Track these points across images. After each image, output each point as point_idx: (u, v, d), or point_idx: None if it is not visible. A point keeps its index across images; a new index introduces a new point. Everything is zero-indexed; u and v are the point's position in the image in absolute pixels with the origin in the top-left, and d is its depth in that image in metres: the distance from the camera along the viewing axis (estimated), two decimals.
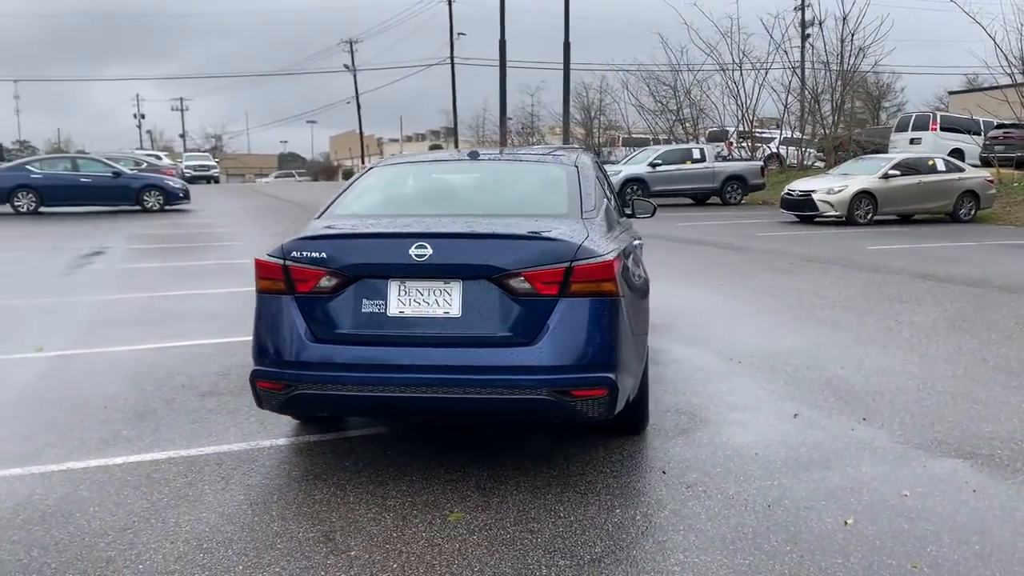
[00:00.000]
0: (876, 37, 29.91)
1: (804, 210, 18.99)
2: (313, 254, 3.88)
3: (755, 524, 3.54)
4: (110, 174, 22.24)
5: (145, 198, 22.41)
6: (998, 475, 4.08)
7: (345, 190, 4.83)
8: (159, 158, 42.16)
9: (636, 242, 4.96)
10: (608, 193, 5.37)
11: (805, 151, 32.02)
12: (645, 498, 3.84)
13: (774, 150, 33.29)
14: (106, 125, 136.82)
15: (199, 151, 63.06)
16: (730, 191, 25.52)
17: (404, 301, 3.82)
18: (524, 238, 3.84)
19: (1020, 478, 4.04)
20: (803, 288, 9.78)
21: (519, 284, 3.75)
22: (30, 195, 21.27)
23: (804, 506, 3.73)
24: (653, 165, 25.65)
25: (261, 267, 4.00)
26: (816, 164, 30.78)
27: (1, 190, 21.14)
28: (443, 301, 3.80)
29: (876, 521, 3.58)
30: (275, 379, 3.90)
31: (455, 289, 3.80)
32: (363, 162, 63.87)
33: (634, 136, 40.90)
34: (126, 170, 23.58)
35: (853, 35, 29.68)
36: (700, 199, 26.18)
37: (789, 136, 33.45)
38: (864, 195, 18.54)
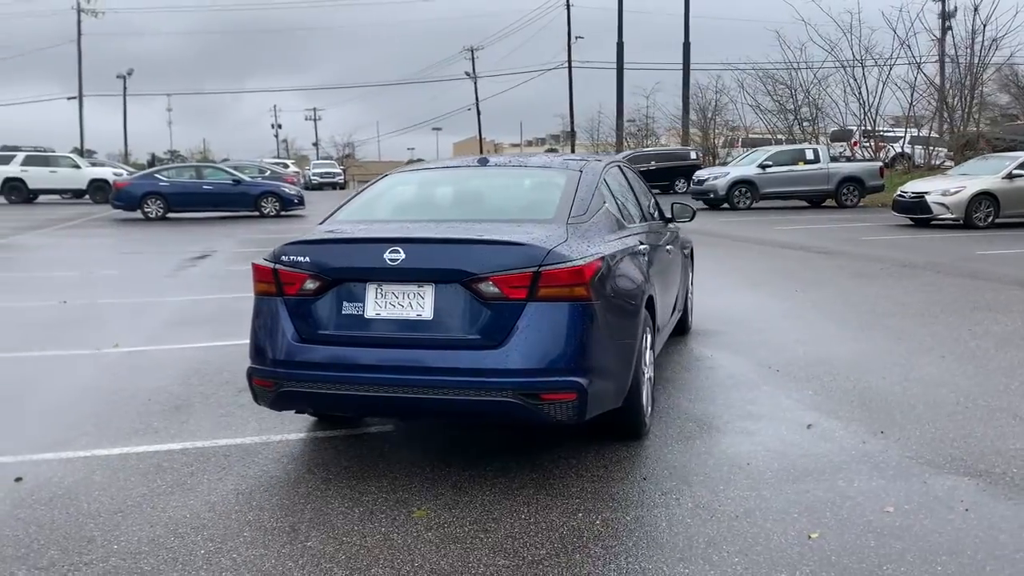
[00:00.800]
0: (1011, 27, 28.09)
1: (916, 213, 18.05)
2: (298, 258, 4.08)
3: (713, 534, 3.48)
4: (231, 182, 23.56)
5: (263, 204, 23.58)
6: (1001, 494, 3.84)
7: (355, 196, 5.03)
8: (285, 166, 44.27)
9: (643, 247, 4.91)
10: (623, 198, 5.37)
11: (933, 151, 30.39)
12: (614, 503, 3.82)
13: (900, 150, 31.74)
14: (247, 134, 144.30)
15: (326, 159, 65.64)
16: (846, 193, 24.49)
17: (380, 304, 3.96)
18: (492, 243, 3.91)
19: (1020, 498, 3.80)
20: (883, 295, 9.35)
21: (488, 288, 3.82)
22: (158, 202, 22.78)
23: (774, 518, 3.63)
24: (763, 167, 24.95)
25: (256, 270, 4.23)
26: (946, 164, 29.15)
27: (133, 197, 22.75)
28: (416, 304, 3.92)
29: (842, 537, 3.45)
30: (266, 376, 4.12)
31: (428, 292, 3.91)
32: None
33: (752, 137, 39.92)
34: (246, 178, 24.89)
35: (985, 26, 27.99)
36: (814, 202, 25.27)
37: (917, 135, 31.80)
38: (984, 196, 17.45)
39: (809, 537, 3.45)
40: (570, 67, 58.86)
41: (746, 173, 24.95)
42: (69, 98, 57.96)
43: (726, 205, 24.55)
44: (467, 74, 71.94)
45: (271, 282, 4.15)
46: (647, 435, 4.69)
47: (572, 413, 3.87)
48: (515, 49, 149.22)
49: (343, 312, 4.00)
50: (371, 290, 3.98)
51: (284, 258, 4.12)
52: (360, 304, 3.98)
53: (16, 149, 33.76)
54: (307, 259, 4.06)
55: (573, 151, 58.10)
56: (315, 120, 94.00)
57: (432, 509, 3.78)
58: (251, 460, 4.44)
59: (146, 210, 22.71)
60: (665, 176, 33.18)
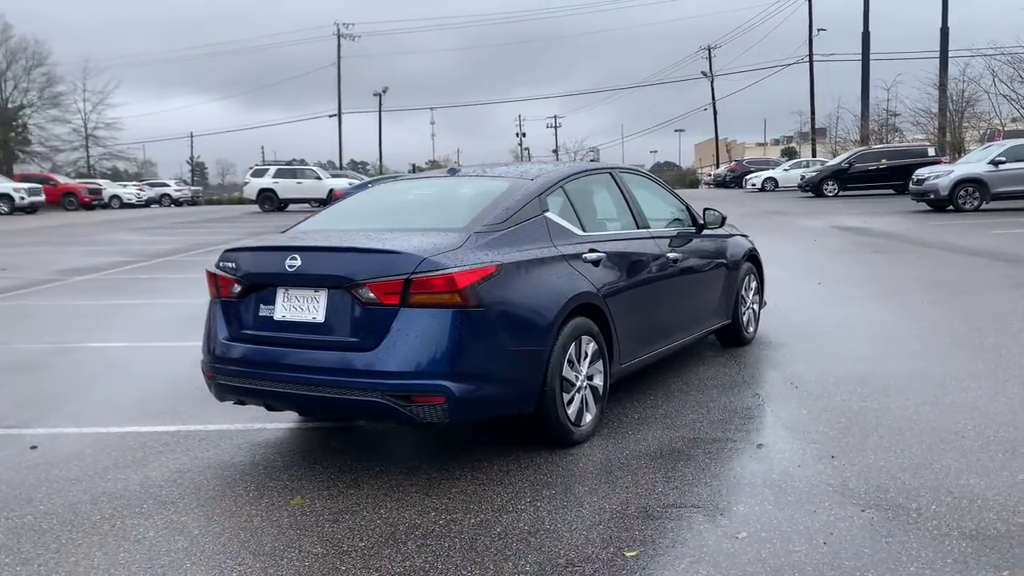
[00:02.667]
0: None
1: None
2: (228, 264, 4.55)
3: (528, 546, 3.50)
4: None
5: None
6: (886, 530, 3.49)
7: (328, 207, 5.44)
8: None
9: (595, 255, 4.88)
10: (594, 208, 5.40)
11: None
12: (478, 506, 3.91)
13: None
14: (498, 144, 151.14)
15: None
16: None
17: (286, 307, 4.33)
18: (371, 251, 4.15)
19: (902, 536, 3.42)
20: (1021, 310, 8.30)
21: (365, 294, 4.07)
22: None
23: (596, 535, 3.56)
24: (996, 163, 22.43)
25: (207, 274, 4.76)
26: None
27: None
28: (312, 308, 4.25)
29: (657, 558, 3.33)
30: (208, 370, 4.64)
31: (322, 297, 4.23)
32: (717, 168, 63.32)
33: (1007, 130, 35.86)
34: None
35: None
36: None
37: None
38: None
39: (625, 555, 3.37)
40: (811, 61, 56.03)
41: (973, 171, 22.60)
42: (330, 116, 64.10)
43: (951, 207, 22.39)
44: (703, 73, 70.66)
45: (212, 285, 4.66)
46: (580, 442, 4.67)
47: (442, 415, 4.01)
48: (755, 45, 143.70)
49: (260, 314, 4.42)
50: (280, 294, 4.36)
51: (219, 264, 4.61)
52: (272, 307, 4.38)
53: (275, 163, 38.01)
54: (233, 265, 4.52)
55: (814, 151, 55.19)
56: (555, 127, 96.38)
57: (313, 499, 4.08)
58: (218, 445, 4.96)
59: None
60: (898, 175, 30.87)
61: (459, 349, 4.01)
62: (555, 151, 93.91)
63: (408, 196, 5.55)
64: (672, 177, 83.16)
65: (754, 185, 43.47)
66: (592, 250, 4.94)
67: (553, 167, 5.42)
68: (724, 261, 6.70)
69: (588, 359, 4.77)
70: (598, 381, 4.88)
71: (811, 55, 55.78)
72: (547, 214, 4.83)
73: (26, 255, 17.76)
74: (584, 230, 5.09)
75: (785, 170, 43.70)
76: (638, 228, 5.65)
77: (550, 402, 4.45)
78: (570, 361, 4.60)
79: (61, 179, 45.07)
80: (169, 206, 49.60)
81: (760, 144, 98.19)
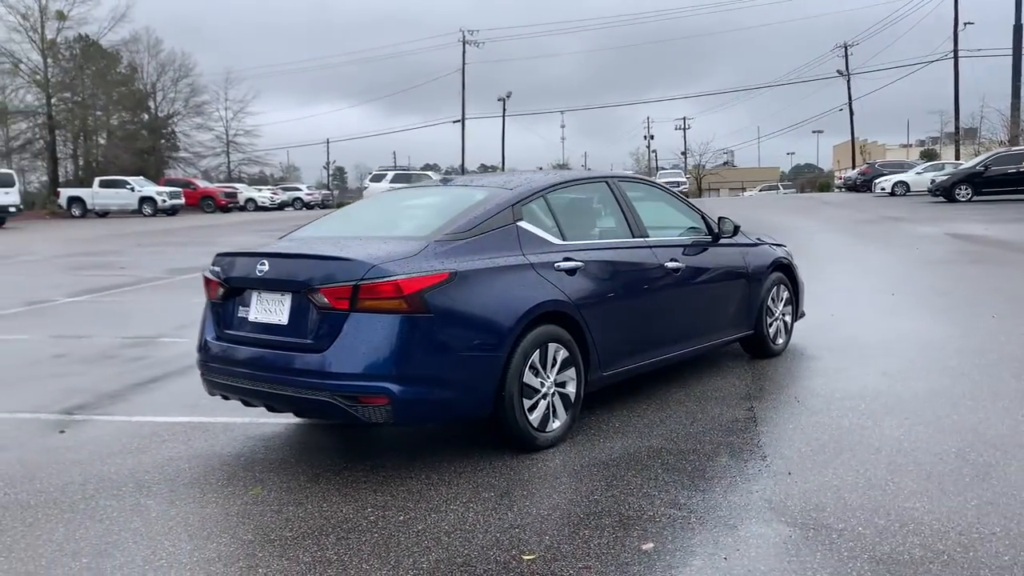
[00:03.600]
0: None
1: None
2: (216, 268, 4.89)
3: (424, 546, 3.63)
4: None
5: None
6: (805, 549, 3.42)
7: (327, 214, 5.71)
8: None
9: (569, 264, 4.94)
10: (578, 217, 5.47)
11: None
12: (413, 504, 4.07)
13: None
14: (626, 146, 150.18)
15: (672, 168, 66.13)
16: None
17: (259, 309, 4.62)
18: (325, 258, 4.38)
19: (807, 557, 3.34)
20: None
21: (319, 298, 4.31)
22: None
23: (508, 537, 3.64)
24: None
25: (203, 277, 5.12)
26: None
27: None
28: (278, 310, 4.52)
29: (553, 563, 3.40)
30: (198, 365, 5.00)
31: (287, 300, 4.49)
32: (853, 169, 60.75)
33: None
34: None
35: None
36: None
37: None
38: None
39: (523, 557, 3.45)
40: (956, 57, 52.95)
41: None
42: (454, 121, 65.50)
43: None
44: (839, 72, 67.96)
45: (205, 287, 5.01)
46: (545, 447, 4.75)
47: (386, 416, 4.20)
48: (896, 41, 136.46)
49: (238, 315, 4.73)
50: (254, 297, 4.65)
51: (210, 268, 4.95)
52: (248, 309, 4.68)
53: (393, 168, 39.30)
54: (219, 269, 4.86)
55: (957, 153, 52.12)
56: (684, 129, 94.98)
57: (271, 490, 4.35)
58: (214, 436, 5.31)
59: None
60: None
61: (403, 353, 4.19)
62: (683, 153, 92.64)
63: (396, 204, 5.77)
64: (807, 180, 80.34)
65: (883, 189, 41.44)
66: (568, 259, 5.01)
67: (541, 176, 5.51)
68: (744, 271, 6.57)
69: (557, 367, 4.83)
70: (571, 388, 4.94)
71: (956, 51, 52.71)
72: (520, 223, 4.93)
73: (149, 254, 19.14)
74: (565, 239, 5.15)
75: (918, 173, 41.44)
76: (633, 237, 5.65)
77: (508, 408, 4.55)
78: (533, 368, 4.68)
79: (201, 183, 48.18)
80: (301, 209, 51.96)
81: (903, 146, 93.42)
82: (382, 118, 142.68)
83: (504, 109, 70.71)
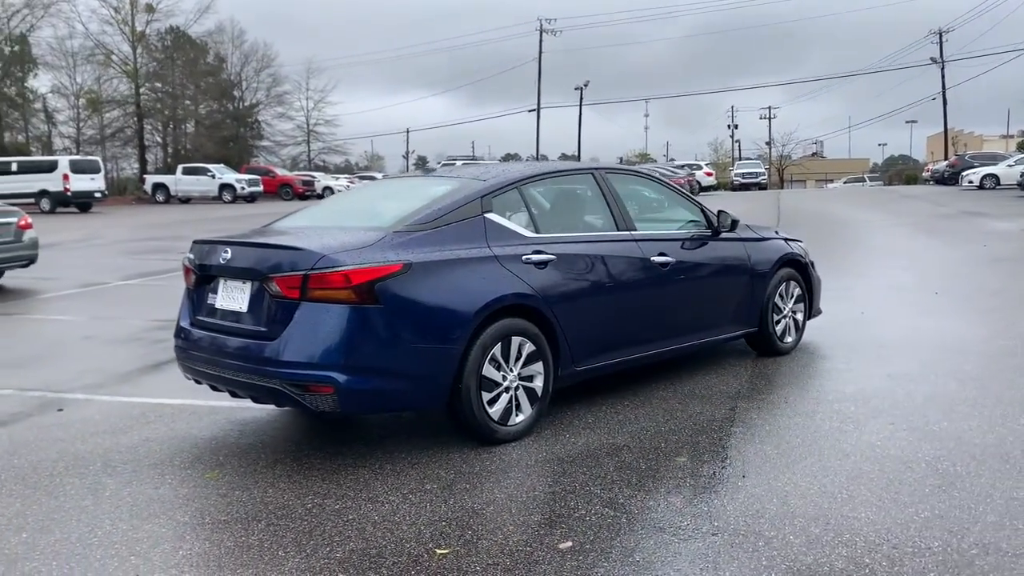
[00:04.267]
0: None
1: None
2: (190, 255, 4.99)
3: (324, 529, 3.64)
4: None
5: None
6: (724, 556, 3.31)
7: (315, 204, 5.76)
8: (696, 167, 44.93)
9: (540, 256, 4.87)
10: (557, 209, 5.39)
11: None
12: (352, 495, 4.09)
13: None
14: (710, 135, 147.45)
15: (751, 159, 64.55)
16: None
17: (224, 296, 4.70)
18: (279, 247, 4.43)
19: (724, 563, 3.23)
20: None
21: (272, 287, 4.36)
22: None
23: (431, 531, 3.62)
24: None
25: (183, 265, 5.24)
26: None
27: None
28: (239, 298, 4.59)
29: (466, 558, 3.37)
30: (175, 351, 5.12)
31: (247, 288, 4.56)
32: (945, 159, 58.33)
33: None
34: None
35: None
36: None
37: None
38: None
39: (437, 551, 3.43)
40: None
41: None
42: (529, 110, 65.41)
43: None
44: (932, 60, 65.22)
45: (183, 274, 5.13)
46: (507, 440, 4.71)
47: (333, 405, 4.23)
48: (994, 27, 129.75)
49: (207, 301, 4.82)
50: (221, 284, 4.74)
51: (186, 256, 5.06)
52: (216, 296, 4.77)
53: (462, 158, 39.55)
54: (192, 256, 4.96)
55: None
56: (769, 118, 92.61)
57: (226, 473, 4.43)
58: (197, 417, 5.42)
59: None
60: None
61: (350, 343, 4.20)
62: (768, 143, 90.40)
63: (376, 195, 5.77)
64: (895, 172, 77.47)
65: (971, 182, 39.64)
66: (539, 251, 4.94)
67: (518, 168, 5.45)
68: (745, 266, 6.37)
69: (522, 361, 4.78)
70: (538, 383, 4.88)
71: None
72: (488, 215, 4.88)
73: None
74: (538, 232, 5.09)
75: (1009, 166, 39.51)
76: (618, 230, 5.53)
77: (466, 400, 4.53)
78: (495, 361, 4.64)
79: (279, 171, 49.39)
80: None
81: (1004, 136, 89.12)
82: (462, 107, 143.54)
83: (581, 98, 70.16)
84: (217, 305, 4.75)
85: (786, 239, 6.97)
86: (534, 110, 65.07)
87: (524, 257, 4.87)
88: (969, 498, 3.80)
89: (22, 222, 11.86)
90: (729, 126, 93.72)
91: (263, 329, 4.40)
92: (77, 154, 46.98)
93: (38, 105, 52.86)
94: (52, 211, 32.51)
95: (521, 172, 5.34)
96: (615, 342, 5.39)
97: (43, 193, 32.07)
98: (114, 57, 51.76)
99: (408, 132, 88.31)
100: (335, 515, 3.85)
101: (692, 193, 37.61)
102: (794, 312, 6.87)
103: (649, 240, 5.67)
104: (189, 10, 55.62)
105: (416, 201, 4.96)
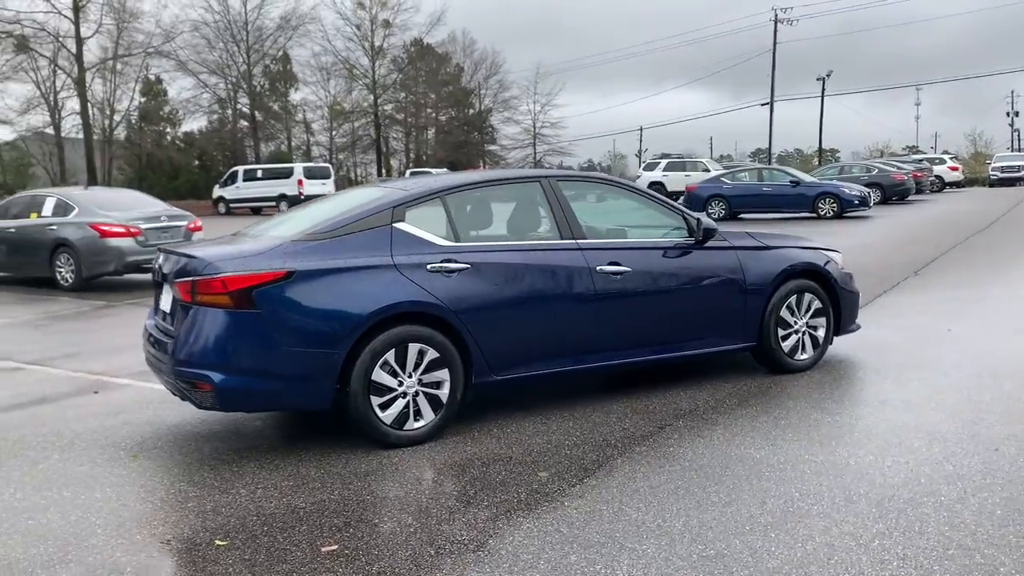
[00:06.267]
0: None
1: None
2: (158, 261, 5.56)
3: (219, 524, 3.96)
4: (788, 183, 23.77)
5: (819, 206, 23.21)
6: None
7: (283, 212, 6.16)
8: (939, 161, 40.87)
9: (453, 266, 4.94)
10: (485, 217, 5.42)
11: None
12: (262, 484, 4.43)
13: None
14: (989, 123, 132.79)
15: (1017, 152, 57.25)
16: None
17: (164, 300, 5.22)
18: (181, 255, 4.85)
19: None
20: None
21: (176, 291, 4.81)
22: (721, 204, 24.39)
23: (224, 524, 3.86)
24: None
25: None
26: None
27: (700, 199, 24.78)
28: (167, 301, 5.09)
29: (234, 550, 3.58)
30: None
31: (171, 292, 5.03)
32: None
33: None
34: (807, 179, 24.69)
35: None
36: None
37: None
38: None
39: (215, 544, 3.68)
40: None
41: None
42: (762, 104, 62.75)
43: None
44: None
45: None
46: (402, 445, 4.83)
47: (212, 402, 4.62)
48: None
49: (159, 305, 5.36)
50: (164, 287, 5.26)
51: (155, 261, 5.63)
52: (162, 299, 5.29)
53: (668, 157, 38.89)
54: (156, 261, 5.51)
55: None
56: None
57: (147, 459, 4.93)
58: (183, 406, 6.01)
59: (710, 212, 24.47)
60: None
61: (225, 345, 4.55)
62: None
63: (323, 204, 5.98)
64: None
65: None
66: (449, 260, 5.00)
67: (453, 178, 5.56)
68: (737, 276, 5.96)
69: (423, 367, 4.87)
70: (444, 390, 4.95)
71: None
72: (398, 224, 5.00)
73: None
74: (458, 240, 5.14)
75: None
76: (562, 239, 5.43)
77: (354, 404, 4.71)
78: (388, 366, 4.78)
79: None
80: None
81: None
82: (695, 103, 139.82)
83: (823, 89, 66.20)
84: (160, 307, 5.29)
85: (802, 247, 6.43)
86: (766, 104, 62.39)
87: (430, 266, 4.95)
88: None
89: (192, 225, 13.47)
90: (1008, 113, 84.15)
91: (172, 329, 4.87)
92: (330, 161, 51.76)
93: (299, 117, 58.71)
94: None
95: (452, 182, 5.41)
96: (546, 352, 5.31)
97: (282, 197, 35.71)
98: (356, 71, 56.37)
99: (641, 130, 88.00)
100: (191, 501, 4.16)
101: (932, 189, 34.57)
102: (813, 327, 6.32)
103: (597, 249, 5.51)
104: (422, 23, 59.17)
105: (335, 211, 5.21)
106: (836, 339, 6.51)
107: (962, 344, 7.04)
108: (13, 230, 13.48)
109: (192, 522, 3.93)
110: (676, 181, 35.49)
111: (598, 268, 5.44)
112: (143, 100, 51.22)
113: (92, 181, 40.34)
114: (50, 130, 45.89)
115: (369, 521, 3.87)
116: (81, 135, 44.75)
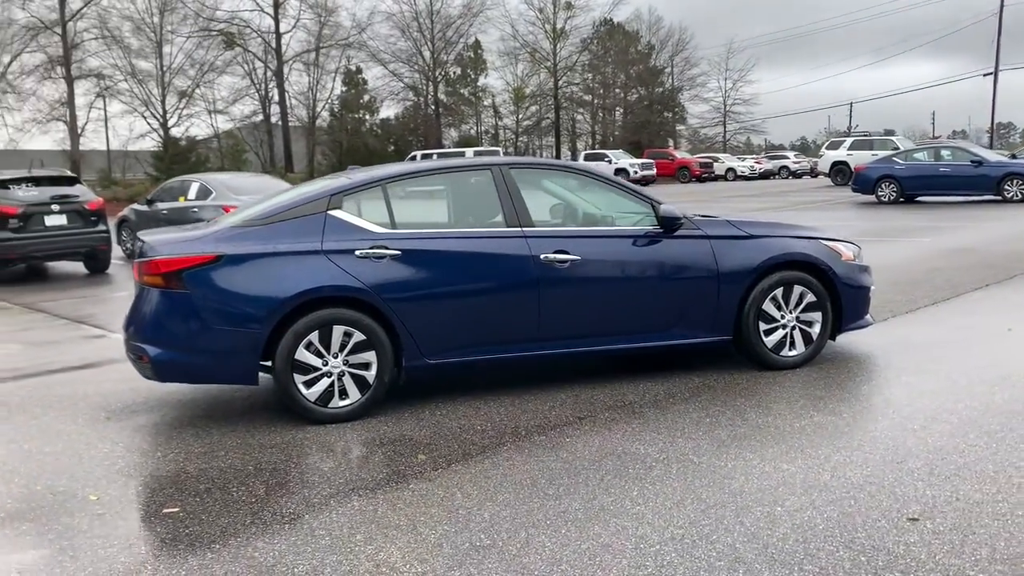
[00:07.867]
0: None
1: None
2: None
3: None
4: (970, 163, 21.62)
5: (1006, 187, 20.98)
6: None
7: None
8: None
9: (382, 252, 5.10)
10: (431, 205, 5.49)
11: None
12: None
13: None
14: None
15: None
16: None
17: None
18: (140, 239, 5.32)
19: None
20: None
21: (133, 272, 5.32)
22: (892, 185, 22.62)
23: (181, 489, 4.27)
24: None
25: None
26: None
27: (868, 180, 23.13)
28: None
29: (191, 517, 4.00)
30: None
31: None
32: None
33: None
34: (992, 158, 22.31)
35: None
36: None
37: None
38: None
39: (89, 498, 4.11)
40: None
41: None
42: (984, 74, 57.00)
43: None
44: None
45: None
46: (328, 422, 5.08)
47: (151, 374, 5.09)
48: None
49: None
50: None
51: None
52: None
53: (856, 134, 36.38)
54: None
55: None
56: None
57: (128, 443, 5.52)
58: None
59: (879, 194, 22.81)
60: None
61: (158, 322, 5.01)
62: None
63: (281, 194, 6.18)
64: None
65: None
66: (379, 247, 5.17)
67: (399, 167, 5.65)
68: (708, 266, 5.68)
69: (348, 349, 5.09)
70: (373, 371, 5.15)
71: None
72: (332, 212, 5.23)
73: None
74: (394, 228, 5.30)
75: None
76: (508, 227, 5.44)
77: (280, 381, 5.03)
78: (313, 347, 5.04)
79: (678, 154, 50.13)
80: (787, 178, 50.72)
81: None
82: (912, 75, 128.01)
83: None
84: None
85: (797, 237, 6.00)
86: (989, 74, 56.59)
87: (359, 252, 5.15)
88: None
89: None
90: None
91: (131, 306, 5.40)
92: (515, 144, 52.88)
93: (487, 102, 60.37)
94: None
95: (395, 171, 5.55)
96: (482, 339, 5.36)
97: None
98: (537, 55, 57.04)
99: (851, 105, 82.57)
100: (133, 467, 4.62)
101: None
102: (805, 323, 5.91)
103: (543, 237, 5.47)
104: (604, 2, 58.74)
105: (280, 200, 5.53)
106: (858, 335, 6.03)
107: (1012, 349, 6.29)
108: (166, 212, 15.05)
109: (90, 474, 4.40)
110: (863, 161, 33.20)
111: (542, 256, 5.41)
112: (344, 89, 54.69)
113: (289, 168, 43.70)
114: (261, 118, 50.21)
115: (223, 488, 4.17)
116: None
